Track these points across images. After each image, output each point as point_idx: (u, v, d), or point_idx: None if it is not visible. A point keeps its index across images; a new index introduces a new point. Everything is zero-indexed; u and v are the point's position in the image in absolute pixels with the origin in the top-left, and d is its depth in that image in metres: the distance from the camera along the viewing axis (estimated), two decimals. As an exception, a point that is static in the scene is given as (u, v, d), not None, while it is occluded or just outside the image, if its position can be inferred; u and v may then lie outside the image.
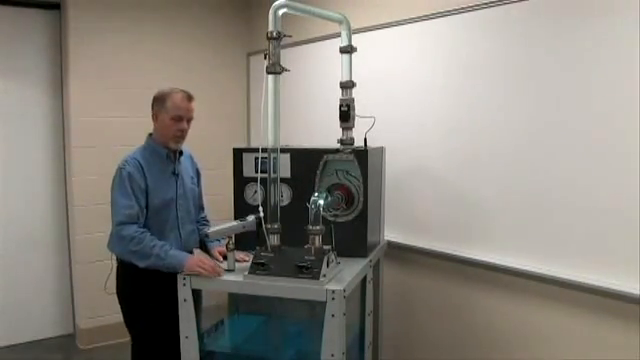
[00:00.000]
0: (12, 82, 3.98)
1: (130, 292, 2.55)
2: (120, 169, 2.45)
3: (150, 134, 2.61)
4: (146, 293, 2.50)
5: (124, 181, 2.43)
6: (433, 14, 3.05)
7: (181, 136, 2.55)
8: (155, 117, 2.55)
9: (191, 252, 2.66)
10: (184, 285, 2.33)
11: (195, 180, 2.76)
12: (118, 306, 2.61)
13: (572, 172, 2.48)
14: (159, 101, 2.54)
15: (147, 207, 2.48)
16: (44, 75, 4.10)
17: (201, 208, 2.86)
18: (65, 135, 4.14)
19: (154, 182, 2.50)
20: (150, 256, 2.35)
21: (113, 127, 3.94)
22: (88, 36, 4.00)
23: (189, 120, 2.56)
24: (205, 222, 2.85)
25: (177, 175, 2.60)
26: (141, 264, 2.38)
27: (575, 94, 2.45)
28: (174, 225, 2.58)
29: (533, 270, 2.64)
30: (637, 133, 2.23)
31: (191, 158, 2.79)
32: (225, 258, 2.49)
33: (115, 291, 2.60)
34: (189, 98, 2.55)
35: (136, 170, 2.45)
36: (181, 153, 2.65)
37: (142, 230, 2.41)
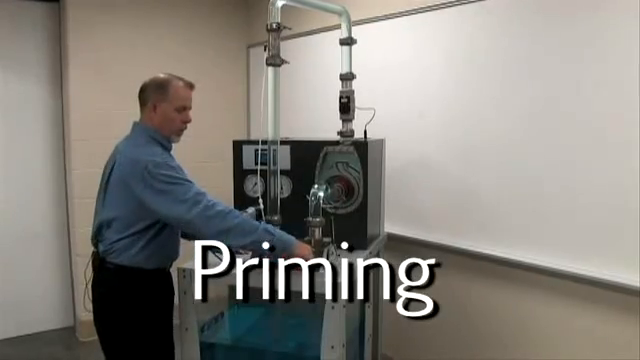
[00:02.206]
0: (11, 75, 3.97)
1: (125, 304, 2.26)
2: (166, 163, 2.15)
3: (136, 122, 2.32)
4: (140, 304, 2.26)
5: (181, 170, 2.17)
6: (433, 6, 3.05)
7: (186, 128, 2.33)
8: (154, 108, 2.26)
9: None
10: (184, 277, 2.34)
11: None
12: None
13: (573, 164, 2.48)
14: (158, 90, 2.27)
15: None
16: (43, 68, 4.08)
17: None
18: (65, 128, 4.13)
19: None
20: (255, 230, 2.08)
21: (113, 120, 3.90)
22: (87, 29, 3.99)
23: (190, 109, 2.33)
24: None
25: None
26: (239, 242, 2.08)
27: (575, 85, 2.46)
28: None
29: (534, 262, 2.64)
30: (637, 124, 2.22)
31: None
32: None
33: (99, 306, 2.30)
34: (190, 86, 2.32)
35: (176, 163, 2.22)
36: None
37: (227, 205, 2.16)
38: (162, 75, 2.31)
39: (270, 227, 2.16)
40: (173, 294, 2.40)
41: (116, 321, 2.29)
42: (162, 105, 2.25)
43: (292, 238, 2.18)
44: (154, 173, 2.11)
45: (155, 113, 2.27)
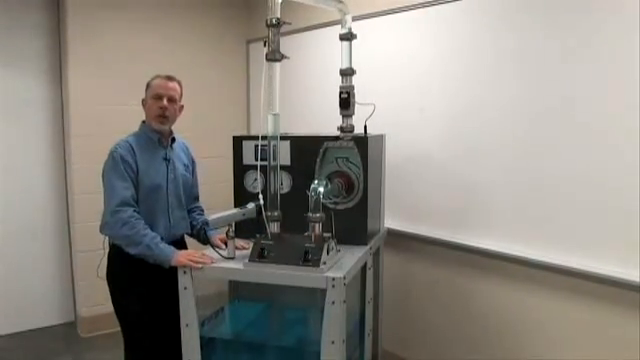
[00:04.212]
0: (11, 70, 3.96)
1: (120, 278, 2.56)
2: (112, 152, 2.48)
3: (143, 121, 2.64)
4: (136, 279, 2.51)
5: (118, 164, 2.45)
6: (434, 1, 3.03)
7: (162, 115, 2.55)
8: (143, 103, 2.62)
9: (181, 239, 2.70)
10: (184, 273, 2.34)
11: (190, 169, 2.76)
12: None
13: (573, 158, 2.47)
14: (146, 89, 2.61)
15: (137, 190, 2.49)
16: (43, 63, 4.08)
17: (196, 198, 2.86)
18: (65, 123, 4.12)
19: (145, 165, 2.51)
20: (140, 244, 2.38)
21: (113, 115, 3.93)
22: (87, 23, 3.98)
23: (170, 99, 2.56)
24: (200, 212, 2.85)
25: (168, 160, 2.61)
26: (130, 250, 2.41)
27: (577, 81, 2.45)
28: (164, 210, 2.58)
29: (533, 257, 2.64)
30: (637, 118, 2.22)
31: (186, 148, 2.79)
32: (226, 246, 2.49)
33: (105, 276, 2.60)
34: (168, 78, 2.59)
35: (128, 153, 2.48)
36: (174, 140, 2.67)
37: (137, 216, 2.43)
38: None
39: (153, 244, 2.38)
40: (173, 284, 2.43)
41: (117, 292, 2.59)
42: (146, 98, 2.61)
43: (169, 253, 2.37)
44: (108, 158, 2.50)
45: (144, 107, 2.62)
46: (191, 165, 2.79)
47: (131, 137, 2.57)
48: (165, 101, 2.54)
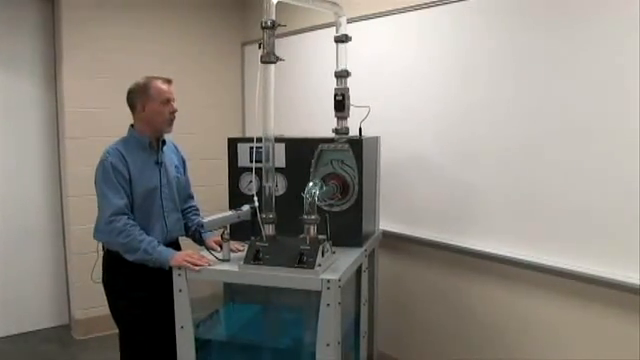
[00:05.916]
0: (4, 73, 3.95)
1: (116, 282, 2.55)
2: (103, 161, 2.46)
3: (132, 125, 2.60)
4: (132, 283, 2.50)
5: (109, 173, 2.43)
6: (429, 3, 3.04)
7: (174, 118, 2.57)
8: (142, 108, 2.53)
9: (176, 241, 2.70)
10: (179, 275, 2.34)
11: (181, 169, 2.76)
12: (112, 297, 2.61)
13: (570, 160, 2.48)
14: (140, 92, 2.54)
15: (131, 196, 2.48)
16: (37, 66, 4.07)
17: (190, 197, 2.87)
18: (59, 126, 4.12)
19: (137, 171, 2.50)
20: (138, 250, 2.38)
21: (107, 118, 3.92)
22: (82, 26, 3.98)
23: (174, 102, 2.59)
24: (195, 211, 2.85)
25: (160, 164, 2.60)
26: (128, 257, 2.41)
27: (573, 84, 2.46)
28: (159, 214, 2.58)
29: (529, 259, 2.65)
30: (637, 119, 2.23)
31: (175, 148, 2.79)
32: (221, 248, 2.49)
33: (101, 281, 2.60)
34: (168, 81, 2.58)
35: (118, 160, 2.46)
36: (164, 142, 2.65)
37: (132, 223, 2.42)
38: (142, 79, 2.56)
39: (150, 248, 2.39)
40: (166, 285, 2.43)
41: (113, 298, 2.59)
42: (149, 104, 2.53)
43: (167, 255, 2.38)
44: (98, 166, 2.48)
45: (145, 112, 2.54)
46: (182, 165, 2.79)
47: (120, 143, 2.54)
48: (174, 104, 2.57)
